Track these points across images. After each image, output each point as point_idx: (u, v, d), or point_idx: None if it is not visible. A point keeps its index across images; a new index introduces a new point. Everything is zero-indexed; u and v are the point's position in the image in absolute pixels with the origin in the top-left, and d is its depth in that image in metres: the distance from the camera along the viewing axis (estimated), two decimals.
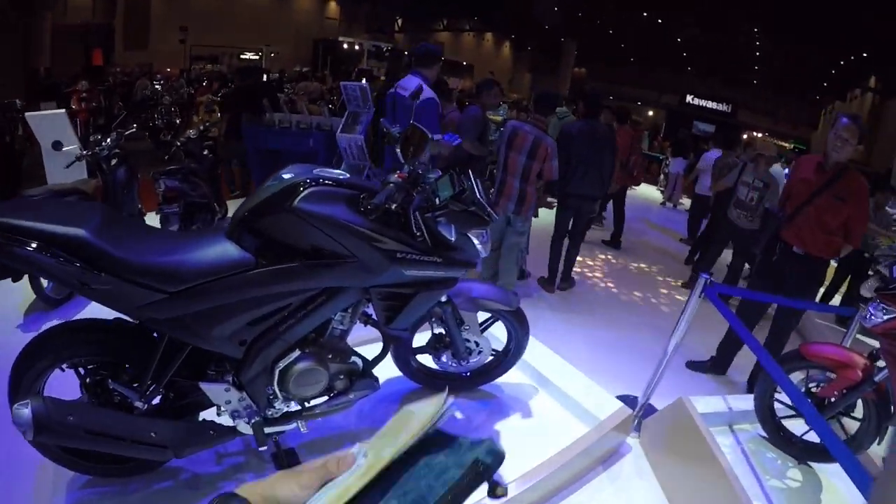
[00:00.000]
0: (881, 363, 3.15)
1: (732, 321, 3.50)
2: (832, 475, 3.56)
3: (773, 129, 37.18)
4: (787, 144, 22.50)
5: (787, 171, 9.66)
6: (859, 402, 3.42)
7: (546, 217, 6.79)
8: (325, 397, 2.64)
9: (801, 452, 3.64)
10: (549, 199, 6.11)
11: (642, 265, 8.73)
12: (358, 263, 2.34)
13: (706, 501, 2.99)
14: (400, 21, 36.69)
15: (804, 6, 23.49)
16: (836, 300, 8.06)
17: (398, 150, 2.58)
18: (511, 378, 3.60)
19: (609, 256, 8.66)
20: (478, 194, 2.56)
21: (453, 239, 2.60)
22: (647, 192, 15.81)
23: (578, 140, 6.15)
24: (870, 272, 7.97)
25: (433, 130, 4.73)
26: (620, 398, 3.94)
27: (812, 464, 3.65)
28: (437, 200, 2.49)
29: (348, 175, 2.47)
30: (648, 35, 33.87)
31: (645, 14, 29.68)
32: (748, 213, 6.68)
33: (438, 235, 2.55)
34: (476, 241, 2.71)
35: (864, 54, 28.48)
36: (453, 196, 2.49)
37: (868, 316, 3.01)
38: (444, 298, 2.93)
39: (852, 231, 4.38)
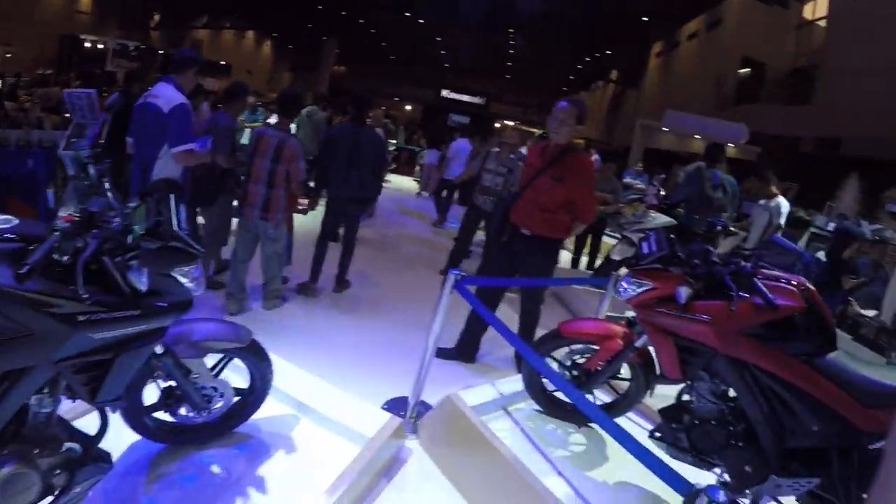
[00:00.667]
0: (640, 329, 3.32)
1: (485, 314, 3.56)
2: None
3: (523, 117, 39.81)
4: (535, 131, 24.25)
5: None
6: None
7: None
8: (49, 498, 2.12)
9: (578, 417, 3.78)
10: (300, 205, 5.95)
11: (403, 258, 8.64)
12: (32, 336, 1.87)
13: (496, 488, 3.05)
14: (157, 17, 33.92)
15: (548, 14, 26.12)
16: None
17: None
18: (267, 411, 3.26)
19: (369, 253, 8.26)
20: (178, 224, 2.18)
21: (144, 287, 2.17)
22: (404, 183, 16.12)
23: (342, 142, 5.91)
24: (609, 231, 8.76)
25: (187, 139, 4.38)
26: (393, 401, 3.94)
27: (592, 425, 3.80)
28: (130, 238, 2.10)
29: (16, 220, 1.99)
30: (409, 34, 34.78)
31: (407, 14, 30.33)
32: (493, 198, 6.89)
33: (132, 283, 2.13)
34: (185, 280, 2.35)
35: (608, 52, 31.78)
36: (149, 230, 2.11)
37: (621, 290, 3.16)
38: (159, 350, 2.52)
39: (579, 209, 4.48)
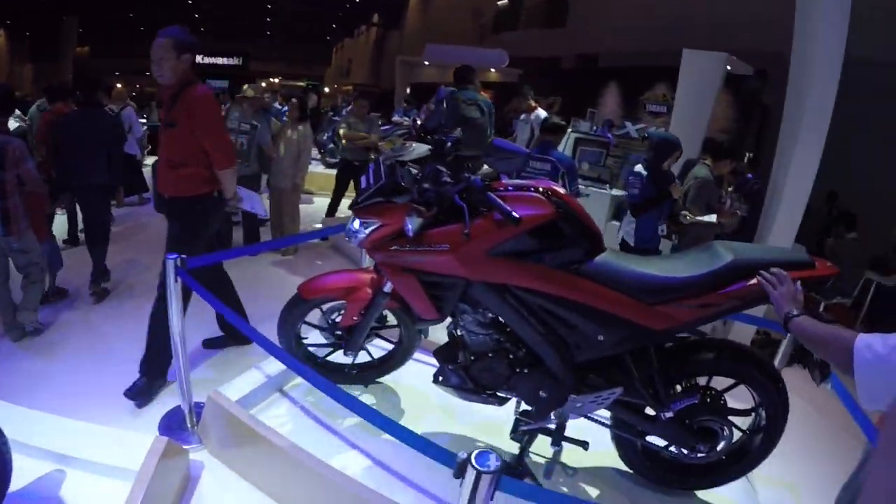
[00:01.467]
0: None
1: (206, 297, 3.01)
2: (400, 379, 3.64)
3: (287, 72, 38.79)
4: (301, 83, 23.50)
5: (286, 108, 9.52)
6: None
7: None
8: None
9: (360, 377, 3.59)
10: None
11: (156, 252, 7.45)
12: None
13: (291, 480, 2.76)
14: None
15: None
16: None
17: None
18: (25, 476, 2.56)
19: (131, 246, 7.24)
20: None
21: None
22: None
23: (71, 130, 5.51)
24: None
25: None
26: (171, 414, 3.49)
27: (383, 379, 3.65)
28: None
29: None
30: (157, 1, 32.60)
31: None
32: (241, 160, 6.01)
33: None
34: None
35: None
36: None
37: (350, 234, 2.74)
38: None
39: (209, 154, 3.71)
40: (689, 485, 2.98)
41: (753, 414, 2.80)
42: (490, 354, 2.70)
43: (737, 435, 2.77)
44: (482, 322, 2.68)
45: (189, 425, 3.24)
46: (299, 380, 3.57)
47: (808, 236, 6.26)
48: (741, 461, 2.83)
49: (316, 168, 8.48)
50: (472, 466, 1.56)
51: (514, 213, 2.26)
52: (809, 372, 2.50)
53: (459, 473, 1.61)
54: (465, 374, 2.74)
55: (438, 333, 3.44)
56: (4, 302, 4.62)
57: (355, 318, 3.19)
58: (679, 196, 5.14)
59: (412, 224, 2.47)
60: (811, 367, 2.48)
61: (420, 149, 2.91)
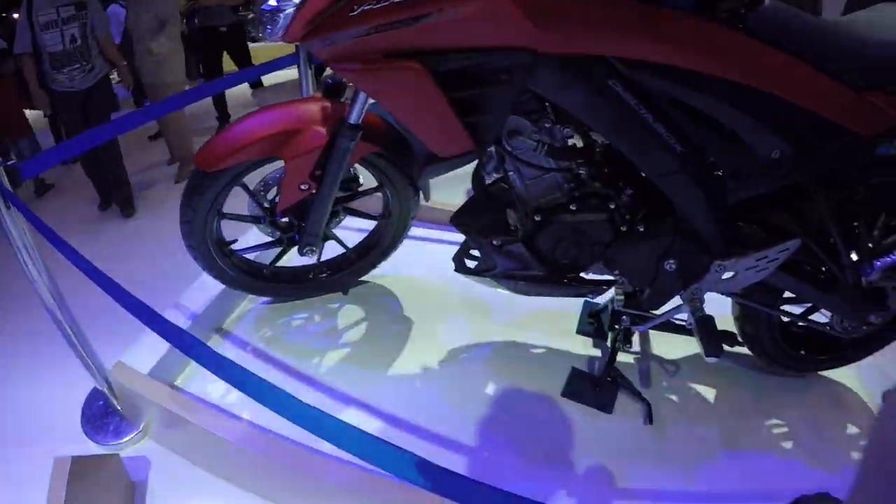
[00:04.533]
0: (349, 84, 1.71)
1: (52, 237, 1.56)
2: (396, 269, 2.50)
3: None
4: None
5: None
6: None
7: None
8: None
9: (329, 283, 2.34)
10: None
11: None
12: None
13: (244, 460, 1.80)
14: None
15: None
16: None
17: None
18: None
19: None
20: None
21: None
22: None
23: None
24: None
25: None
26: (89, 400, 2.25)
27: (364, 279, 2.46)
28: None
29: None
30: None
31: None
32: (78, 65, 4.11)
33: None
34: None
35: None
36: None
37: (267, 21, 1.34)
38: None
39: None
40: (826, 366, 1.90)
41: None
42: (572, 206, 1.46)
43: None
44: (552, 147, 1.39)
45: (118, 406, 2.12)
46: (246, 302, 2.39)
47: None
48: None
49: None
50: None
51: None
52: None
53: None
54: (527, 249, 1.52)
55: (445, 191, 2.32)
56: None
57: (303, 186, 1.85)
58: None
59: None
60: None
61: None
